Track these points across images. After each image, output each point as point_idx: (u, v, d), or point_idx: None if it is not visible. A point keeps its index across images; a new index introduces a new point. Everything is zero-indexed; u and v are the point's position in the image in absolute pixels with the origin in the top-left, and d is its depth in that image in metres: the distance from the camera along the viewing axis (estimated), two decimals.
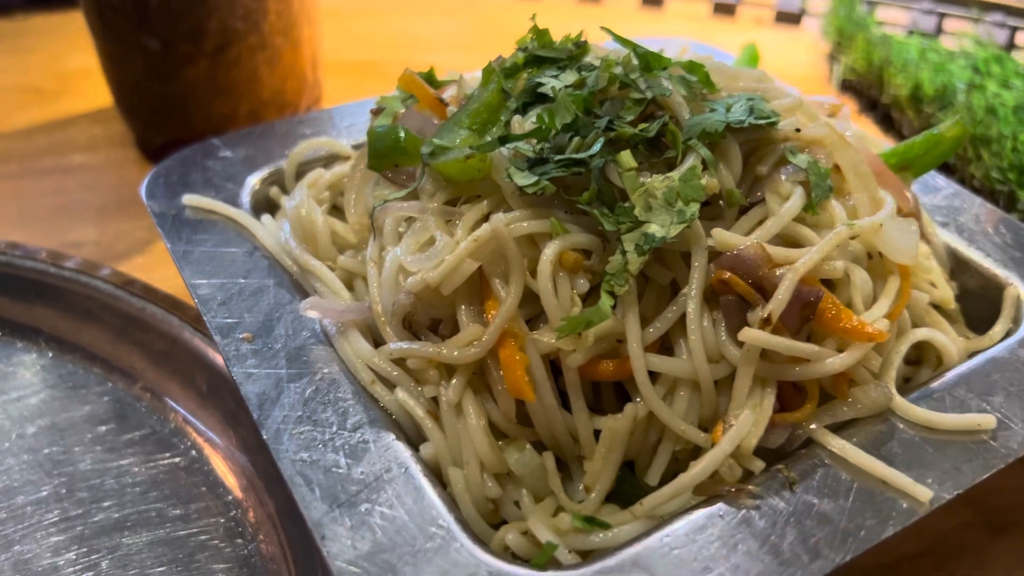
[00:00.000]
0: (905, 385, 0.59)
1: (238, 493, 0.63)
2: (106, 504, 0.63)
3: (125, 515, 0.62)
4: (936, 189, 0.72)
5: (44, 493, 0.63)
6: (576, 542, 0.48)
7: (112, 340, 0.72)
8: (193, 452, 0.66)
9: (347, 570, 0.44)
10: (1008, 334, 0.61)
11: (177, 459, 0.66)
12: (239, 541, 0.60)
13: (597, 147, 0.53)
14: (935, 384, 0.55)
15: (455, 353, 0.52)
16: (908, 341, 0.57)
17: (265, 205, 0.71)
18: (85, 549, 0.60)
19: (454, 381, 0.52)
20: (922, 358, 0.61)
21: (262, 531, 0.61)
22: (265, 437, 0.51)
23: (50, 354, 0.73)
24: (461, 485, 0.50)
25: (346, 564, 0.44)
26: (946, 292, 0.61)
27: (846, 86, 1.14)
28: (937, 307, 0.63)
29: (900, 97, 1.03)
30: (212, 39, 0.87)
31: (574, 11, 1.38)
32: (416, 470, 0.49)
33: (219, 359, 0.66)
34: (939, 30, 1.25)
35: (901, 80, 1.02)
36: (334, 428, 0.51)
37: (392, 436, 0.51)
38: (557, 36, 0.65)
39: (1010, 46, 1.21)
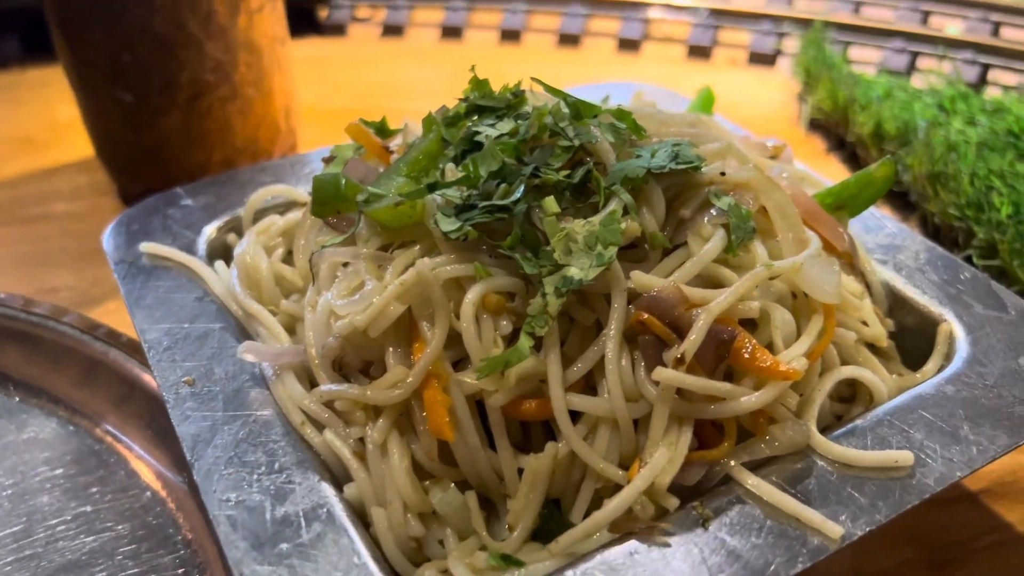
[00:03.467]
0: (838, 422, 0.59)
1: (187, 533, 0.64)
2: (61, 544, 0.64)
3: (80, 555, 0.63)
4: (879, 228, 0.73)
5: (1, 534, 0.65)
6: None
7: (76, 384, 0.74)
8: (148, 494, 0.68)
9: None
10: (940, 370, 0.61)
11: (132, 500, 0.67)
12: None
13: (519, 193, 0.55)
14: (860, 421, 0.56)
15: (380, 395, 0.53)
16: (833, 379, 0.57)
17: (222, 252, 0.74)
18: (26, 566, 0.61)
19: (380, 422, 0.54)
20: (855, 395, 0.62)
21: (209, 569, 0.62)
22: (196, 478, 0.52)
23: (17, 399, 0.75)
24: (384, 524, 0.51)
25: None
26: (878, 330, 0.62)
27: (814, 125, 1.16)
28: (872, 345, 0.64)
29: (863, 135, 1.04)
30: (184, 91, 0.90)
31: (553, 54, 1.41)
32: (339, 510, 0.50)
33: None
34: (911, 68, 1.27)
35: (864, 118, 1.04)
36: (262, 469, 0.53)
37: (317, 477, 0.52)
38: (542, 78, 0.67)
39: (981, 83, 1.23)
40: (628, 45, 1.38)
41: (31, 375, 0.76)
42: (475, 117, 0.65)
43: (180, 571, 0.62)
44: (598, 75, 1.31)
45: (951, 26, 1.36)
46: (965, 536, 0.67)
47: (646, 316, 0.53)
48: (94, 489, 0.68)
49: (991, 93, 1.18)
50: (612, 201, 0.56)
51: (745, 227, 0.58)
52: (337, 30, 1.44)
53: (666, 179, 0.58)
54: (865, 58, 1.29)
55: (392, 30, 1.44)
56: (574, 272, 0.53)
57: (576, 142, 0.59)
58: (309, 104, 1.11)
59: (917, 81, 1.20)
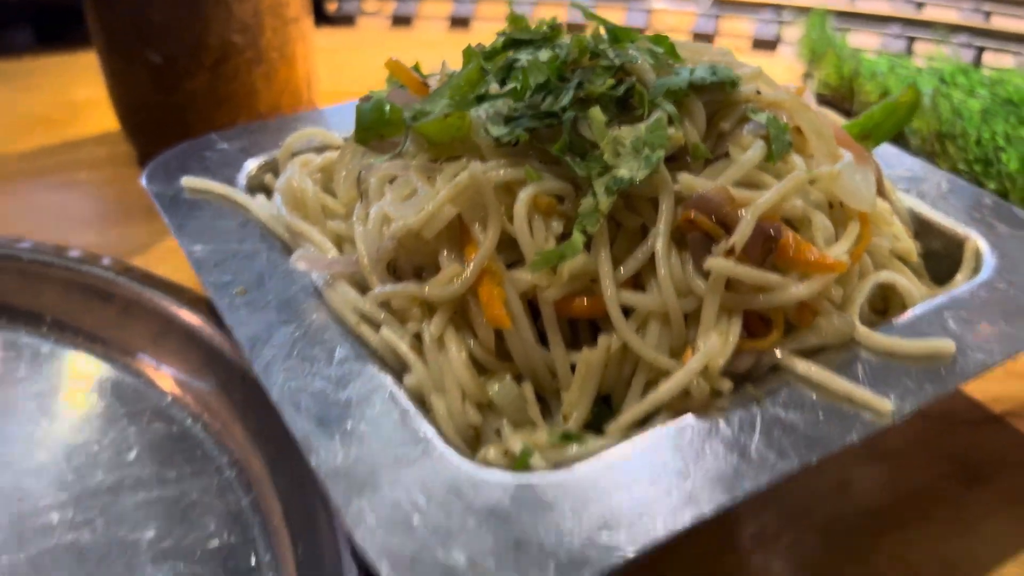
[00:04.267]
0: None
1: (231, 456, 0.65)
2: (101, 469, 0.64)
3: (120, 478, 0.63)
4: (900, 163, 0.76)
5: (41, 460, 0.65)
6: (552, 455, 0.50)
7: (112, 323, 0.75)
8: (188, 421, 0.68)
9: (330, 476, 0.46)
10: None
11: (172, 428, 0.67)
12: (231, 497, 0.62)
13: (567, 99, 0.57)
14: (897, 320, 0.58)
15: (438, 290, 0.55)
16: (871, 281, 0.59)
17: (260, 190, 0.75)
18: (79, 509, 0.61)
19: (436, 318, 0.55)
20: (888, 308, 0.63)
21: (255, 488, 0.62)
22: (256, 371, 0.53)
23: (52, 338, 0.75)
24: (443, 411, 0.52)
25: (330, 471, 0.46)
26: (908, 244, 0.64)
27: (821, 101, 1.19)
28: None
29: (870, 104, 1.07)
30: (211, 53, 0.92)
31: None
32: (400, 394, 0.51)
33: (214, 336, 0.69)
34: (909, 53, 1.31)
35: (871, 87, 1.07)
36: (321, 363, 0.54)
37: (377, 368, 0.53)
38: None
39: (976, 65, 1.26)
40: None
41: (66, 315, 0.76)
42: (511, 51, 0.67)
43: (224, 489, 0.62)
44: None
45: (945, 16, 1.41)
46: (997, 453, 0.68)
47: (694, 215, 0.55)
48: (133, 420, 0.68)
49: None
50: (656, 112, 0.58)
51: (783, 138, 0.60)
52: (346, 21, 1.47)
53: (706, 94, 0.61)
54: (863, 44, 1.33)
55: (401, 21, 1.47)
56: (623, 172, 0.55)
57: (617, 62, 0.61)
58: (326, 86, 1.13)
59: (916, 62, 1.24)
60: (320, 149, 0.78)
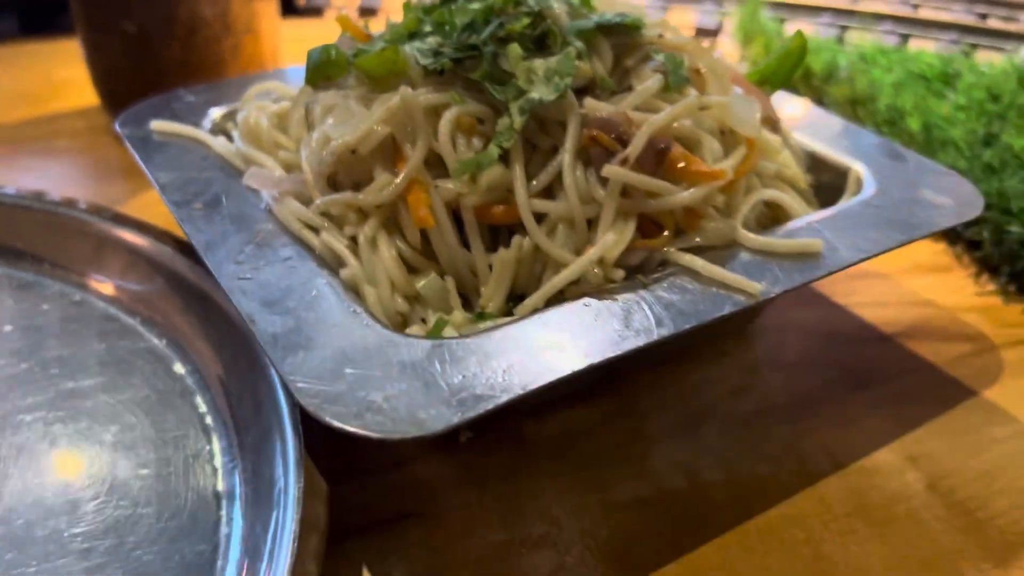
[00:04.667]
0: None
1: (193, 364, 0.72)
2: (72, 379, 0.71)
3: (90, 385, 0.70)
4: (802, 111, 0.84)
5: (21, 370, 0.72)
6: (465, 330, 0.57)
7: (87, 257, 0.82)
8: (154, 338, 0.75)
9: (270, 341, 0.53)
10: None
11: (139, 344, 0.74)
12: (190, 398, 0.69)
13: (487, 33, 0.65)
14: (778, 230, 0.66)
15: (371, 196, 0.62)
16: (756, 196, 0.67)
17: (223, 136, 0.82)
18: (52, 409, 0.68)
19: (370, 220, 0.62)
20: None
21: (212, 390, 0.69)
22: (209, 265, 0.60)
23: (33, 271, 0.82)
24: (374, 298, 0.60)
25: (270, 337, 0.53)
26: (796, 171, 0.72)
27: None
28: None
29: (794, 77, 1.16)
30: (182, 25, 1.00)
31: None
32: (336, 284, 0.59)
33: (178, 263, 0.77)
34: (840, 41, 1.40)
35: None
36: (268, 260, 0.61)
37: (316, 265, 0.61)
38: None
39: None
40: None
41: (46, 250, 0.83)
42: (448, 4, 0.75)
43: (185, 393, 0.69)
44: None
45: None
46: (883, 364, 0.76)
47: (596, 133, 0.63)
48: (100, 337, 0.75)
49: None
50: (567, 48, 0.66)
51: (679, 72, 0.68)
52: (315, 13, 1.55)
53: (613, 36, 0.69)
54: None
55: (367, 12, 1.56)
56: (535, 95, 0.63)
57: (536, 8, 0.69)
58: None
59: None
60: (278, 102, 0.85)
